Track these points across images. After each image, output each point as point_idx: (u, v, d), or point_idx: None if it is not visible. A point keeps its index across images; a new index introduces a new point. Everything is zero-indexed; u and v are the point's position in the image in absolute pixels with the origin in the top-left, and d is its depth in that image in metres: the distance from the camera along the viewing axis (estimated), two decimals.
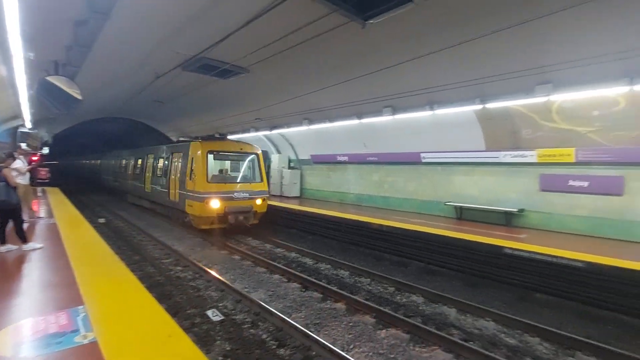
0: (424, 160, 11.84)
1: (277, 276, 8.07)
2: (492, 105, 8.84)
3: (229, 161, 12.68)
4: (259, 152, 12.97)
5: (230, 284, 7.16)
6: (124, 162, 20.72)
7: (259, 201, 11.97)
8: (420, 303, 6.77)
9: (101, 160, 28.71)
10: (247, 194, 11.70)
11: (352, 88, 10.81)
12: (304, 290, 7.22)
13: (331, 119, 13.13)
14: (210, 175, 11.29)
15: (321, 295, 6.88)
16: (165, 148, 14.67)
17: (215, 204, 10.82)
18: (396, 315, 5.91)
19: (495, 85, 8.34)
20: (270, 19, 6.44)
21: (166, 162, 13.92)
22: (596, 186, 8.38)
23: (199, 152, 11.42)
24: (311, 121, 13.90)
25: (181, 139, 16.04)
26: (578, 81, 7.30)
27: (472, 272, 8.05)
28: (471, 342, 5.20)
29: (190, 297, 6.75)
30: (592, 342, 5.10)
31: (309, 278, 7.60)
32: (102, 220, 14.34)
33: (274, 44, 7.93)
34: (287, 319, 5.59)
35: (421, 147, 11.76)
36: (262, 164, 12.73)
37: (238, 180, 12.13)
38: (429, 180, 11.97)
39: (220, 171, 12.30)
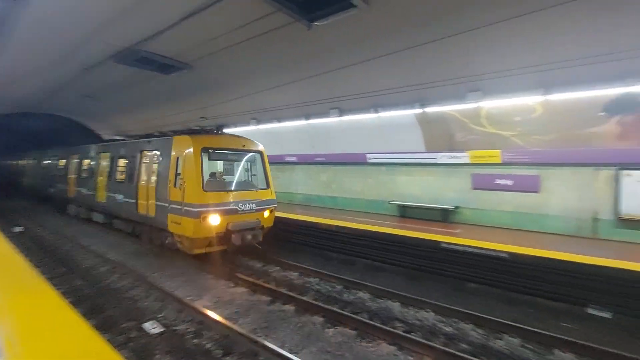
0: (369, 161, 12.26)
1: (223, 281, 7.79)
2: (430, 109, 9.44)
3: (230, 162, 10.00)
4: (262, 148, 10.16)
5: (171, 292, 6.75)
6: (61, 163, 16.87)
7: (266, 213, 9.35)
8: (366, 299, 6.97)
9: (24, 160, 24.78)
10: (254, 205, 8.96)
11: (300, 89, 10.84)
12: (251, 294, 7.05)
13: (279, 120, 13.03)
14: (206, 182, 8.51)
15: (269, 298, 6.77)
16: (130, 145, 11.50)
17: (214, 220, 8.09)
18: (343, 312, 6.02)
19: (433, 91, 8.93)
20: (213, 13, 6.22)
21: (132, 163, 10.78)
22: (518, 184, 9.37)
23: (190, 149, 8.48)
24: (259, 121, 13.67)
25: (166, 132, 11.58)
26: (503, 89, 8.10)
27: (414, 267, 8.51)
28: (413, 333, 5.49)
29: (126, 310, 6.23)
30: (517, 324, 5.66)
31: (256, 282, 7.44)
32: (18, 229, 12.67)
33: (218, 39, 7.67)
34: (233, 325, 5.41)
35: (366, 148, 12.16)
36: (267, 165, 9.99)
37: (242, 188, 9.38)
38: (374, 180, 12.42)
39: (213, 175, 9.28)
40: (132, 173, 10.70)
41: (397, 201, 11.59)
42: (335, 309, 6.21)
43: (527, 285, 7.04)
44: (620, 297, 6.12)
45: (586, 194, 8.50)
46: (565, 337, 5.24)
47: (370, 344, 5.23)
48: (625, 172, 7.93)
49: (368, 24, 7.25)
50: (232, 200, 8.64)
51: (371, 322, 5.72)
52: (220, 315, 5.87)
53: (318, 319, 5.95)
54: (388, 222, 10.34)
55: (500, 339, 5.48)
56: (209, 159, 9.02)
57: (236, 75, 11.09)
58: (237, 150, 9.62)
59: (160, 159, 9.47)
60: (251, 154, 9.92)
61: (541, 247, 7.19)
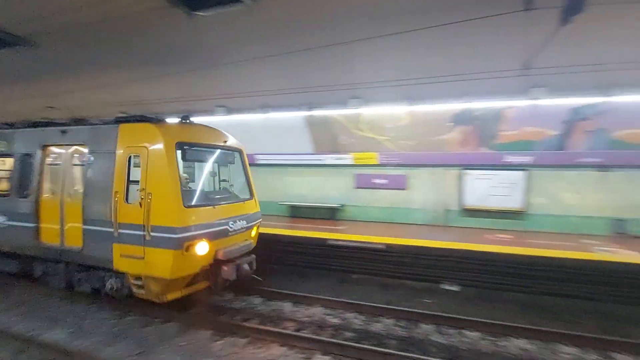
0: (258, 162, 12.10)
1: (82, 305, 6.46)
2: (317, 112, 9.90)
3: (211, 164, 7.05)
4: (242, 146, 7.69)
5: (7, 330, 5.25)
6: None
7: (253, 231, 7.34)
8: (258, 304, 6.82)
9: None
10: (245, 222, 6.79)
11: (180, 82, 9.93)
12: (121, 317, 6.05)
13: (156, 115, 11.63)
14: (185, 193, 5.80)
15: (145, 319, 5.94)
16: (19, 136, 7.46)
17: (202, 248, 5.71)
18: (232, 322, 5.75)
19: (319, 95, 9.39)
20: None
21: (26, 166, 7.14)
22: (391, 183, 10.70)
23: (159, 145, 5.71)
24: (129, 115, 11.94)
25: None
26: (378, 99, 9.12)
27: (305, 265, 8.78)
28: (303, 331, 5.62)
29: None
30: (390, 307, 6.41)
31: (125, 303, 6.40)
32: None
33: (69, 12, 6.32)
34: (97, 357, 4.54)
35: (256, 149, 11.96)
36: (248, 168, 7.74)
37: (227, 199, 6.84)
38: (264, 182, 12.30)
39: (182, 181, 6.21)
40: (26, 181, 7.11)
41: (287, 202, 11.76)
42: (223, 319, 5.87)
43: (398, 270, 8.07)
44: (465, 273, 7.58)
45: (440, 190, 10.27)
46: (426, 312, 6.19)
47: (261, 349, 5.12)
48: (465, 171, 9.90)
49: (256, 22, 7.11)
50: (220, 217, 6.20)
51: (261, 326, 5.61)
52: (79, 347, 4.85)
53: (205, 333, 5.52)
54: (279, 222, 10.40)
55: (378, 322, 6.10)
56: (184, 160, 6.22)
57: (98, 60, 9.40)
58: (218, 147, 6.99)
59: (91, 158, 6.35)
60: (233, 152, 7.48)
61: (407, 236, 8.35)
